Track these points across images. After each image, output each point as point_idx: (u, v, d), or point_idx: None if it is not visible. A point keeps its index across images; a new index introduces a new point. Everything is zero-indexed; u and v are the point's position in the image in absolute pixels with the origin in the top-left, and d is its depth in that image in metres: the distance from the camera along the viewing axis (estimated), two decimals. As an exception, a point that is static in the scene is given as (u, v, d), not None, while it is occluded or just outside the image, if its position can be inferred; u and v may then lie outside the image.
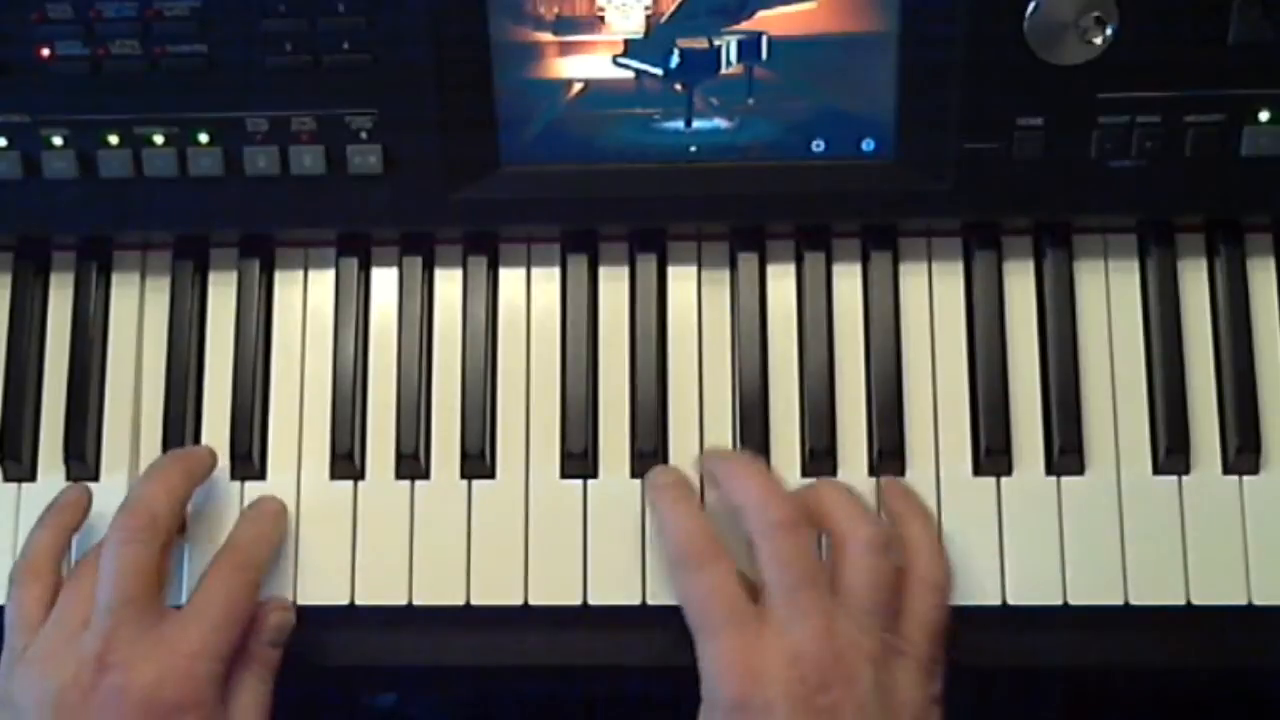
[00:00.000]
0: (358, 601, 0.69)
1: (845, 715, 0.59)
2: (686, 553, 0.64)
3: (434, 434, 0.71)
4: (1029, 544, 0.68)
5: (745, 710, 0.60)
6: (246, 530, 0.68)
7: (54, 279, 0.74)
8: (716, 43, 0.67)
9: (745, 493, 0.64)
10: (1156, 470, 0.69)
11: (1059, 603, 0.68)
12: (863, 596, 0.62)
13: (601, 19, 0.66)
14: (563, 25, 0.66)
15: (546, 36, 0.67)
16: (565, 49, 0.67)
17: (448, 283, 0.73)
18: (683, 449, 0.70)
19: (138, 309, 0.73)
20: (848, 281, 0.72)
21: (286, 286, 0.73)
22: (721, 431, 0.70)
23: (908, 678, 0.61)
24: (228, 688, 0.65)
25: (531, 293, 0.73)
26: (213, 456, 0.70)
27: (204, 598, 0.64)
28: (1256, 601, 0.67)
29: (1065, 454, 0.69)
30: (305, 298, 0.73)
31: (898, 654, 0.62)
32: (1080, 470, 0.69)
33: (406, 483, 0.70)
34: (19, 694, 0.62)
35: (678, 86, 0.68)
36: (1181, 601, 0.67)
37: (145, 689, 0.61)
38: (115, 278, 0.74)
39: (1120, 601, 0.67)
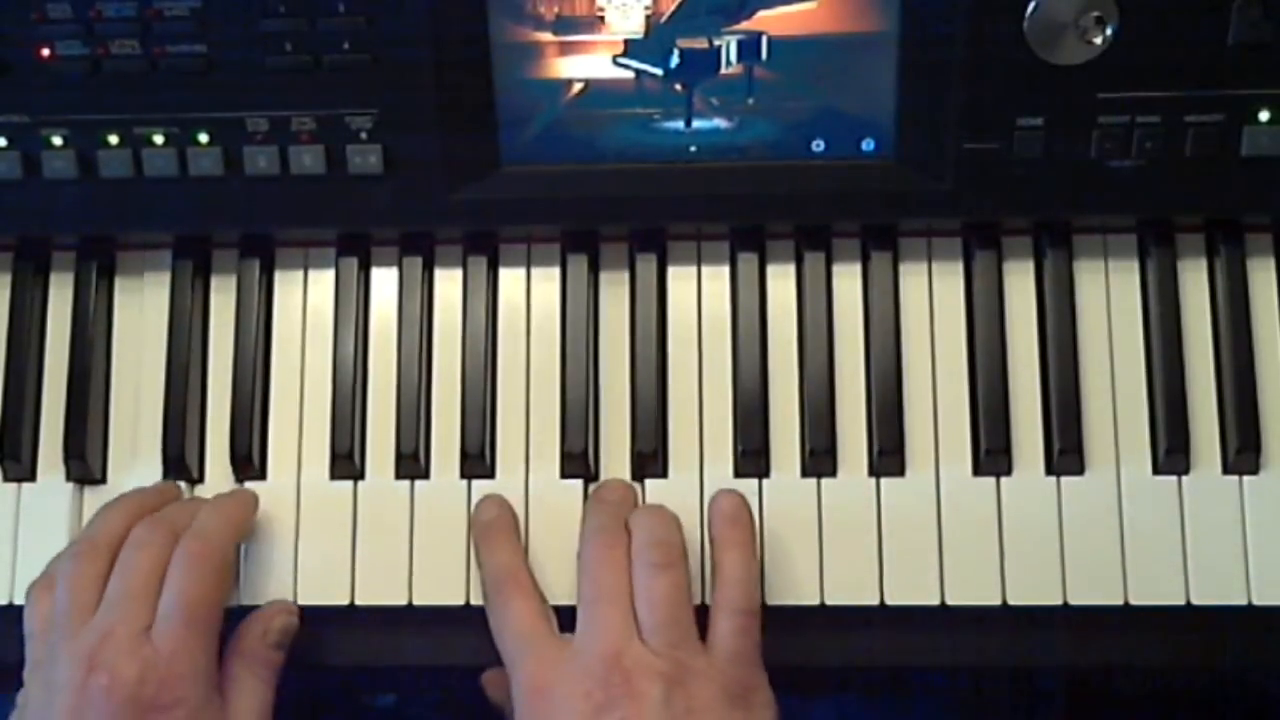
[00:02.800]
0: (358, 601, 0.69)
1: None
2: (492, 588, 0.66)
3: (434, 434, 0.71)
4: (1029, 544, 0.68)
5: None
6: (209, 515, 0.67)
7: (54, 279, 0.74)
8: (716, 43, 0.67)
9: (593, 516, 0.66)
10: (1156, 470, 0.69)
11: (1059, 603, 0.68)
12: (649, 614, 0.62)
13: (601, 19, 0.66)
14: (563, 25, 0.66)
15: (546, 36, 0.67)
16: (565, 49, 0.67)
17: (448, 283, 0.73)
18: (683, 449, 0.70)
19: (138, 309, 0.73)
20: (848, 281, 0.72)
21: (286, 286, 0.73)
22: (722, 431, 0.70)
23: (706, 699, 0.61)
24: (229, 688, 0.65)
25: (531, 293, 0.73)
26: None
27: (172, 593, 0.63)
28: (1256, 601, 0.67)
29: (1065, 454, 0.68)
30: (305, 298, 0.73)
31: (695, 675, 0.61)
32: (1080, 470, 0.69)
33: (406, 483, 0.70)
34: (57, 672, 0.62)
35: (678, 86, 0.68)
36: (1181, 601, 0.67)
37: (128, 688, 0.61)
38: (115, 278, 0.74)
39: (1120, 601, 0.67)
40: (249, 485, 0.71)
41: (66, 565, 0.65)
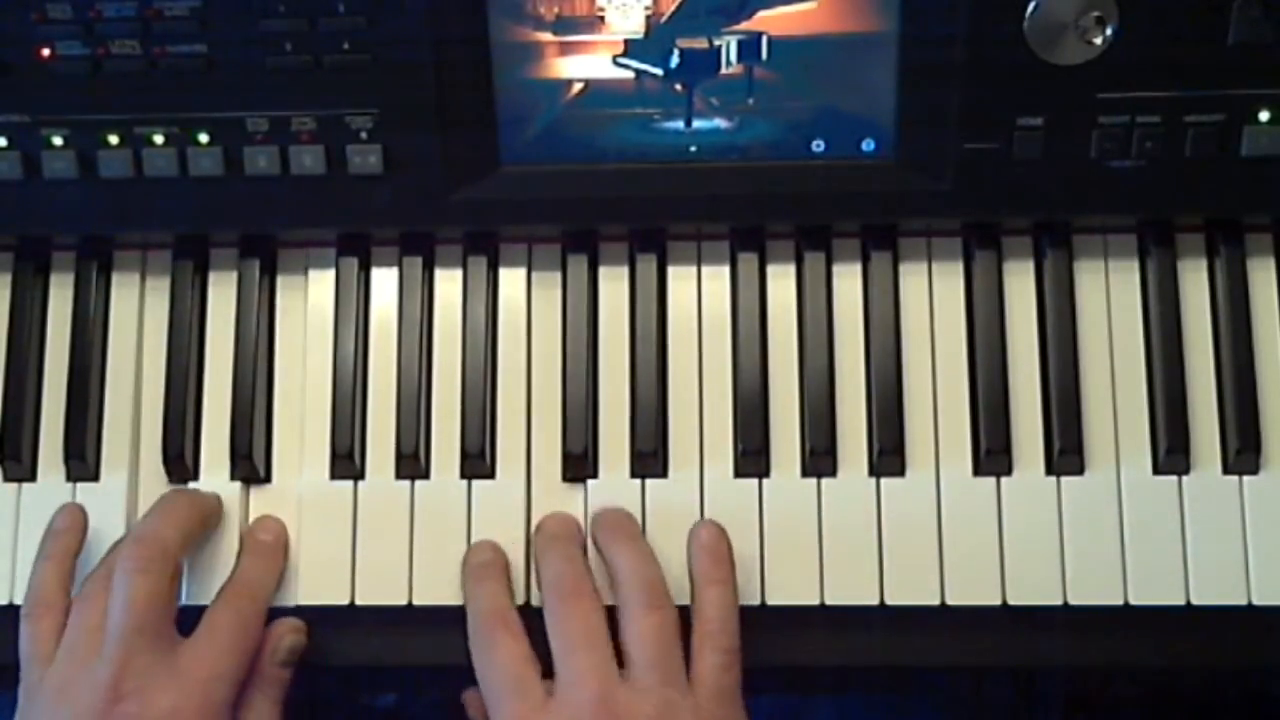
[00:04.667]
0: (358, 601, 0.69)
1: None
2: (481, 628, 0.66)
3: (434, 434, 0.71)
4: (1029, 544, 0.68)
5: None
6: (252, 565, 0.68)
7: (54, 279, 0.74)
8: (716, 43, 0.67)
9: (545, 566, 0.66)
10: (1156, 470, 0.69)
11: (1059, 603, 0.68)
12: (635, 653, 0.63)
13: (601, 19, 0.66)
14: (563, 25, 0.66)
15: (546, 36, 0.67)
16: (565, 49, 0.67)
17: (448, 283, 0.73)
18: (683, 449, 0.70)
19: (138, 309, 0.73)
20: (848, 281, 0.72)
21: (287, 286, 0.73)
22: (722, 431, 0.70)
23: None
24: (238, 708, 0.65)
25: (531, 293, 0.73)
26: (220, 504, 0.70)
27: (214, 625, 0.64)
28: (1256, 601, 0.67)
29: (1065, 454, 0.69)
30: (306, 298, 0.73)
31: (680, 712, 0.62)
32: (1080, 470, 0.69)
33: (406, 483, 0.70)
34: (72, 700, 0.62)
35: (678, 86, 0.68)
36: (1181, 601, 0.67)
37: (161, 716, 0.61)
38: (115, 278, 0.74)
39: (1120, 601, 0.67)
40: (249, 486, 0.71)
41: (24, 627, 0.65)
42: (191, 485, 0.71)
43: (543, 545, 0.68)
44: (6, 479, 0.72)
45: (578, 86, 0.68)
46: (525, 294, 0.72)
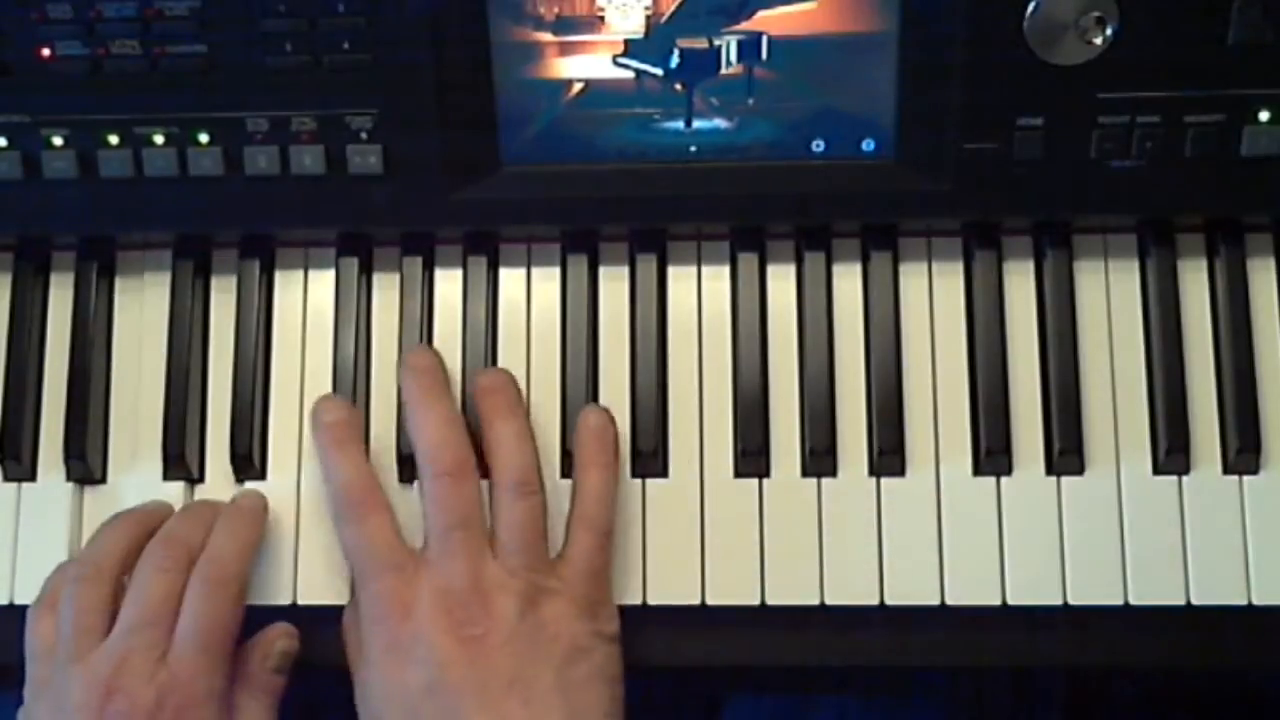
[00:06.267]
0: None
1: (491, 643, 0.62)
2: (345, 503, 0.66)
3: (434, 434, 0.71)
4: (1029, 544, 0.68)
5: (397, 648, 0.63)
6: (224, 539, 0.67)
7: (54, 279, 0.74)
8: (716, 43, 0.67)
9: (421, 433, 0.67)
10: (1156, 470, 0.69)
11: (1059, 603, 0.68)
12: (506, 537, 0.65)
13: (601, 19, 0.66)
14: (563, 25, 0.66)
15: (546, 36, 0.67)
16: (565, 49, 0.67)
17: (448, 283, 0.73)
18: (683, 448, 0.70)
19: (138, 309, 0.73)
20: (848, 281, 0.72)
21: (287, 286, 0.73)
22: (722, 431, 0.70)
23: (558, 613, 0.64)
24: (232, 713, 0.65)
25: (531, 293, 0.73)
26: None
27: (189, 619, 0.64)
28: (1256, 601, 0.67)
29: (1065, 454, 0.69)
30: (305, 297, 0.73)
31: (547, 593, 0.64)
32: (1080, 470, 0.69)
33: (406, 482, 0.70)
34: (67, 696, 0.63)
35: (678, 86, 0.68)
36: (1181, 601, 0.67)
37: (145, 712, 0.61)
38: (116, 278, 0.74)
39: (1120, 601, 0.67)
40: (249, 485, 0.71)
41: (70, 589, 0.65)
42: (188, 484, 0.72)
43: (421, 409, 0.68)
44: (6, 479, 0.72)
45: (578, 86, 0.68)
46: (525, 294, 0.72)
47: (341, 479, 0.67)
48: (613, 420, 0.69)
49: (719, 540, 0.69)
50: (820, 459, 0.69)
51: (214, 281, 0.73)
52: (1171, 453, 0.68)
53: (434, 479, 0.66)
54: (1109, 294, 0.71)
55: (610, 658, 0.65)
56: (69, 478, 0.71)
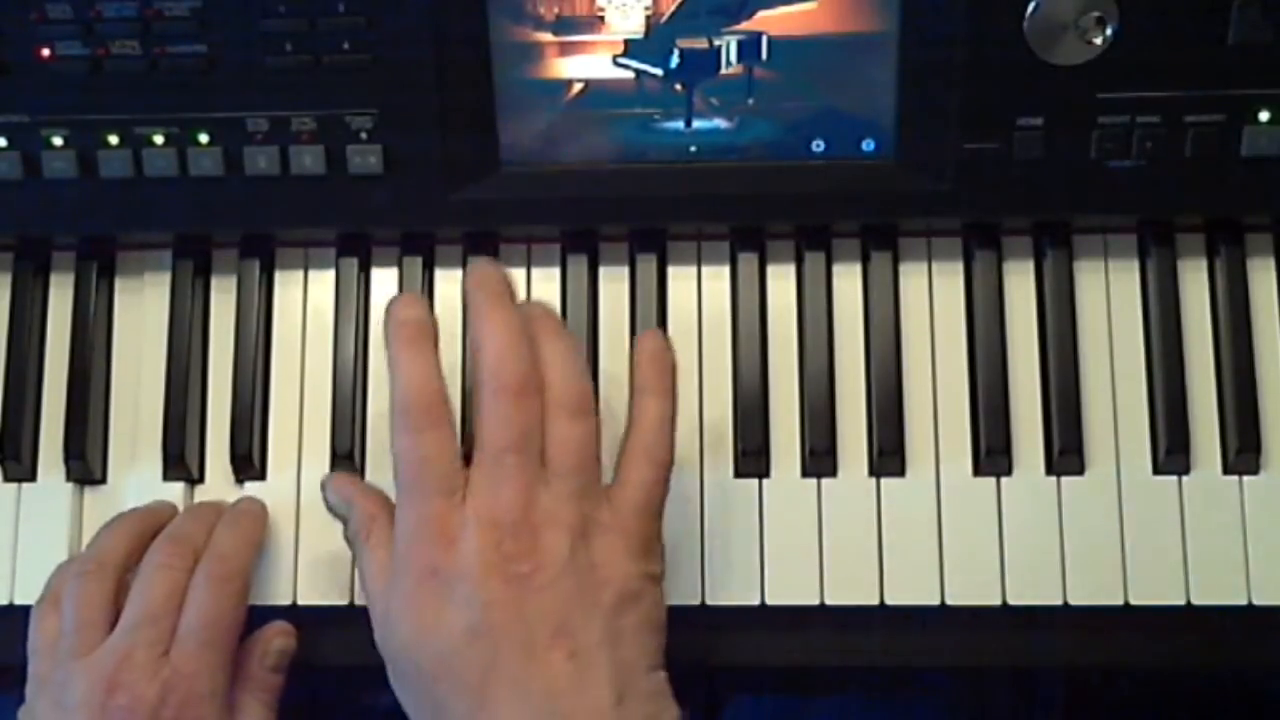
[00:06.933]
0: (357, 602, 0.69)
1: (538, 583, 0.58)
2: (410, 410, 0.61)
3: (434, 434, 0.71)
4: (1029, 544, 0.68)
5: (436, 575, 0.58)
6: (227, 537, 0.67)
7: (54, 279, 0.74)
8: (716, 43, 0.67)
9: (485, 342, 0.61)
10: (1156, 470, 0.69)
11: (1059, 603, 0.68)
12: (557, 462, 0.60)
13: (601, 19, 0.66)
14: (563, 25, 0.66)
15: (546, 36, 0.67)
16: (565, 49, 0.67)
17: (448, 283, 0.73)
18: (682, 448, 0.70)
19: (138, 309, 0.73)
20: (848, 281, 0.72)
21: (287, 286, 0.73)
22: (721, 431, 0.70)
23: (610, 552, 0.60)
24: (232, 712, 0.65)
25: (531, 293, 0.73)
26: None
27: (193, 615, 0.64)
28: (1256, 601, 0.67)
29: (1065, 454, 0.69)
30: (305, 298, 0.73)
31: (598, 527, 0.60)
32: (1080, 470, 0.69)
33: (406, 483, 0.71)
34: (69, 692, 0.62)
35: (678, 86, 0.68)
36: (1181, 601, 0.67)
37: (148, 709, 0.61)
38: (116, 278, 0.74)
39: (1120, 601, 0.67)
40: (249, 485, 0.71)
41: (73, 585, 0.65)
42: (189, 484, 0.72)
43: (488, 319, 0.62)
44: (6, 479, 0.72)
45: (578, 86, 0.68)
46: (525, 294, 0.72)
47: (408, 382, 0.61)
48: (670, 346, 0.64)
49: (718, 540, 0.69)
50: (820, 459, 0.69)
51: (214, 281, 0.73)
52: (1171, 453, 0.68)
53: (494, 394, 0.60)
54: (1109, 294, 0.71)
55: (657, 602, 0.61)
56: (69, 478, 0.71)
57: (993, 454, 0.69)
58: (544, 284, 0.72)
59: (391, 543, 0.61)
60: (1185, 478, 0.69)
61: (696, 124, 0.69)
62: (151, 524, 0.68)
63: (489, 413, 0.60)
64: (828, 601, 0.68)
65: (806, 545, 0.69)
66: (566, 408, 0.61)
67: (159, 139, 0.68)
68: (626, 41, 0.67)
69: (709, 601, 0.68)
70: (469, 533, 0.58)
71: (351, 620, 0.69)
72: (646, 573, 0.61)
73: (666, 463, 0.63)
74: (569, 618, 0.58)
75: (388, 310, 0.63)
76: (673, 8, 0.66)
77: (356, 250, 0.73)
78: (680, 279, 0.72)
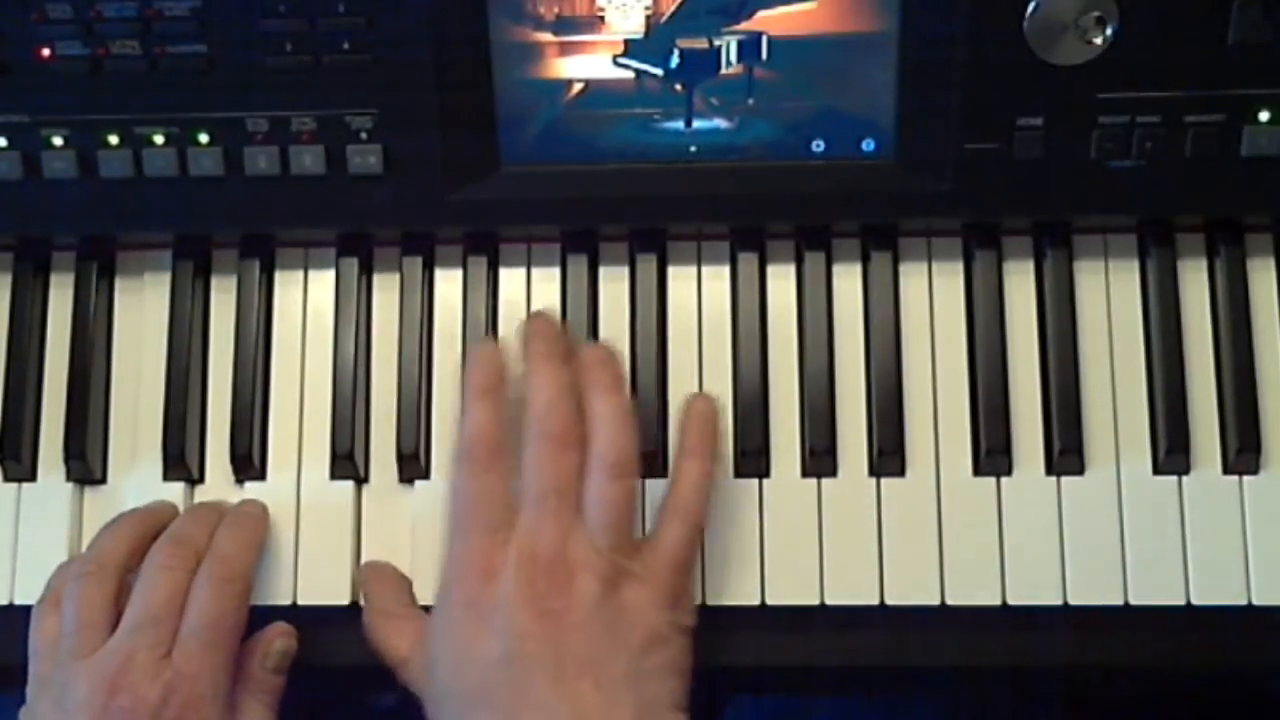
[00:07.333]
0: (358, 602, 0.69)
1: (570, 620, 0.61)
2: (471, 453, 0.64)
3: (434, 434, 0.71)
4: (1029, 544, 0.68)
5: (476, 607, 0.62)
6: (229, 539, 0.67)
7: (54, 279, 0.74)
8: (716, 43, 0.67)
9: (535, 394, 0.65)
10: (1156, 470, 0.69)
11: (1059, 603, 0.68)
12: (594, 517, 0.63)
13: (601, 19, 0.66)
14: (563, 25, 0.66)
15: (546, 36, 0.67)
16: (565, 49, 0.67)
17: (448, 283, 0.73)
18: (683, 449, 0.70)
19: (138, 309, 0.73)
20: (848, 281, 0.72)
21: (287, 286, 0.73)
22: (721, 431, 0.70)
23: (640, 599, 0.62)
24: (233, 713, 0.65)
25: (531, 293, 0.73)
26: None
27: (195, 616, 0.64)
28: (1256, 601, 0.67)
29: (1065, 454, 0.69)
30: (305, 298, 0.73)
31: (630, 577, 0.63)
32: (1080, 470, 0.69)
33: (407, 483, 0.70)
34: (71, 693, 0.63)
35: (678, 86, 0.68)
36: (1181, 601, 0.67)
37: (150, 710, 0.61)
38: (115, 278, 0.74)
39: (1120, 601, 0.67)
40: (249, 485, 0.71)
41: (74, 585, 0.65)
42: (189, 484, 0.72)
43: (541, 371, 0.65)
44: (6, 479, 0.72)
45: (578, 86, 0.68)
46: (525, 294, 0.72)
47: (476, 425, 0.65)
48: (718, 410, 0.68)
49: (718, 540, 0.69)
50: (820, 459, 0.69)
51: (214, 281, 0.73)
52: (1171, 453, 0.68)
53: (538, 441, 0.64)
54: (1109, 294, 0.71)
55: (684, 650, 0.64)
56: (69, 478, 0.71)
57: (993, 454, 0.69)
58: (544, 284, 0.72)
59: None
60: (1185, 478, 0.69)
61: (696, 124, 0.69)
62: (152, 525, 0.68)
63: (532, 458, 0.64)
64: (828, 601, 0.68)
65: (806, 545, 0.69)
66: (608, 467, 0.63)
67: (159, 139, 0.68)
68: (626, 41, 0.67)
69: (709, 602, 0.68)
70: (508, 569, 0.62)
71: (352, 620, 0.69)
72: (674, 622, 0.64)
73: (699, 524, 0.66)
74: (597, 652, 0.61)
75: (469, 354, 0.68)
76: (673, 8, 0.66)
77: (356, 250, 0.73)
78: (680, 279, 0.72)
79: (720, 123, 0.69)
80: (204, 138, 0.68)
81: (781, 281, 0.72)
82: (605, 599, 0.61)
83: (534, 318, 0.69)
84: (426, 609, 0.67)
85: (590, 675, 0.60)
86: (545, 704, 0.60)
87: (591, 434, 0.64)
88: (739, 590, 0.68)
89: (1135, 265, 0.71)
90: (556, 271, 0.72)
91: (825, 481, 0.69)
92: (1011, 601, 0.68)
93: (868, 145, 0.69)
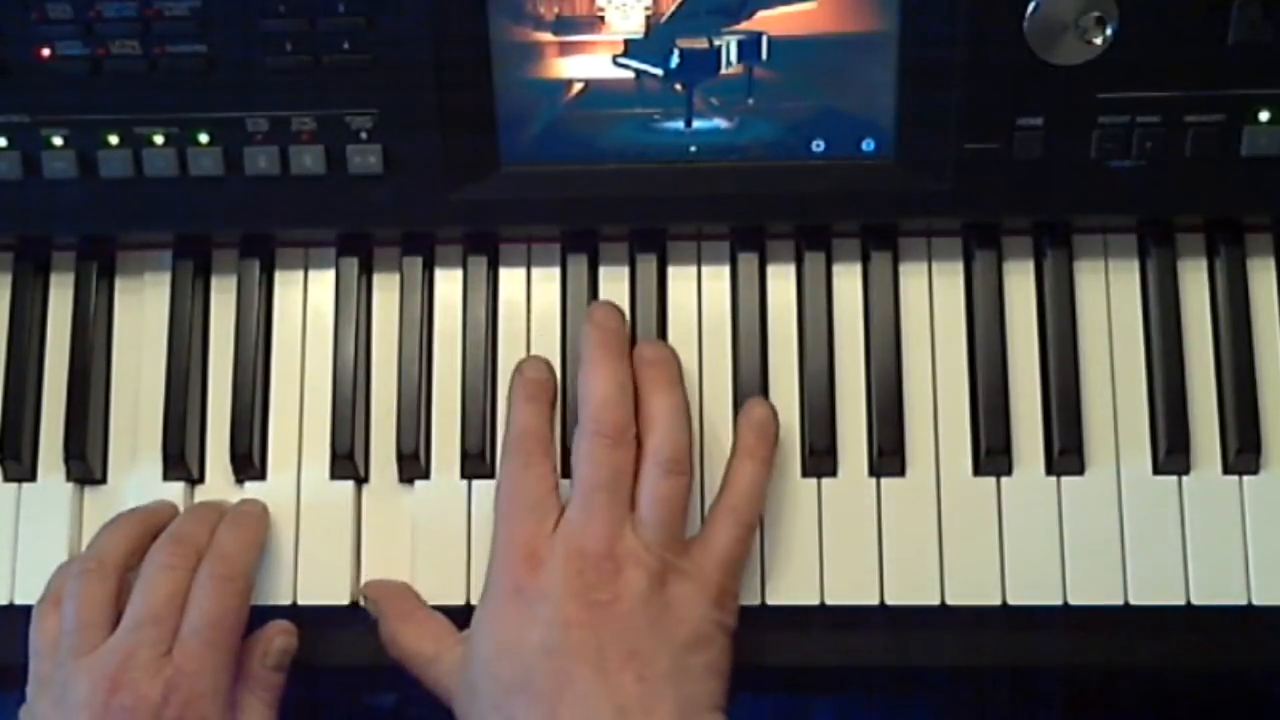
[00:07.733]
0: (358, 602, 0.69)
1: (615, 612, 0.61)
2: (518, 443, 0.66)
3: (434, 434, 0.71)
4: (1029, 544, 0.68)
5: (522, 594, 0.63)
6: (230, 537, 0.67)
7: (54, 279, 0.74)
8: (716, 43, 0.67)
9: (591, 389, 0.66)
10: (1156, 470, 0.69)
11: (1059, 603, 0.68)
12: (646, 512, 0.64)
13: (601, 19, 0.66)
14: (563, 25, 0.66)
15: (546, 36, 0.67)
16: (565, 49, 0.67)
17: (448, 283, 0.73)
18: (683, 449, 0.70)
19: (138, 309, 0.73)
20: (848, 281, 0.72)
21: (287, 286, 0.73)
22: (721, 431, 0.70)
23: (687, 597, 0.63)
24: (233, 711, 0.65)
25: (531, 293, 0.73)
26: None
27: (196, 614, 0.64)
28: (1256, 601, 0.67)
29: (1065, 454, 0.69)
30: (305, 298, 0.73)
31: (678, 574, 0.63)
32: (1080, 470, 0.69)
33: (407, 483, 0.71)
34: (71, 691, 0.63)
35: (678, 86, 0.68)
36: (1181, 601, 0.67)
37: (151, 708, 0.61)
38: (115, 278, 0.74)
39: (1120, 601, 0.67)
40: (249, 485, 0.71)
41: (75, 584, 0.65)
42: (189, 484, 0.72)
43: (597, 366, 0.67)
44: (6, 479, 0.72)
45: (578, 86, 0.68)
46: (525, 294, 0.72)
47: (523, 424, 0.67)
48: (776, 416, 0.68)
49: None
50: (820, 459, 0.69)
51: (214, 281, 0.73)
52: (1171, 453, 0.68)
53: (592, 436, 0.65)
54: (1109, 294, 0.71)
55: (726, 651, 0.65)
56: (69, 478, 0.71)
57: (993, 454, 0.69)
58: (544, 284, 0.72)
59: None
60: (1185, 478, 0.69)
61: (696, 124, 0.69)
62: (152, 524, 0.68)
63: (586, 453, 0.65)
64: (828, 601, 0.68)
65: (806, 545, 0.69)
66: (662, 463, 0.65)
67: (159, 139, 0.68)
68: (626, 41, 0.67)
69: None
70: (555, 558, 0.63)
71: (352, 620, 0.69)
72: (719, 621, 0.64)
73: (752, 525, 0.67)
74: (641, 646, 0.61)
75: (518, 366, 0.69)
76: (673, 8, 0.66)
77: (356, 250, 0.73)
78: (680, 279, 0.72)
79: (720, 123, 0.69)
80: (204, 138, 0.68)
81: (781, 281, 0.72)
82: (652, 594, 0.62)
83: (597, 307, 0.69)
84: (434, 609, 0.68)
85: (633, 668, 0.60)
86: (586, 694, 0.60)
87: (647, 431, 0.66)
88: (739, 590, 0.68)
89: (1135, 265, 0.71)
90: (556, 271, 0.72)
91: (825, 481, 0.69)
92: (1011, 601, 0.68)
93: (868, 145, 0.69)
